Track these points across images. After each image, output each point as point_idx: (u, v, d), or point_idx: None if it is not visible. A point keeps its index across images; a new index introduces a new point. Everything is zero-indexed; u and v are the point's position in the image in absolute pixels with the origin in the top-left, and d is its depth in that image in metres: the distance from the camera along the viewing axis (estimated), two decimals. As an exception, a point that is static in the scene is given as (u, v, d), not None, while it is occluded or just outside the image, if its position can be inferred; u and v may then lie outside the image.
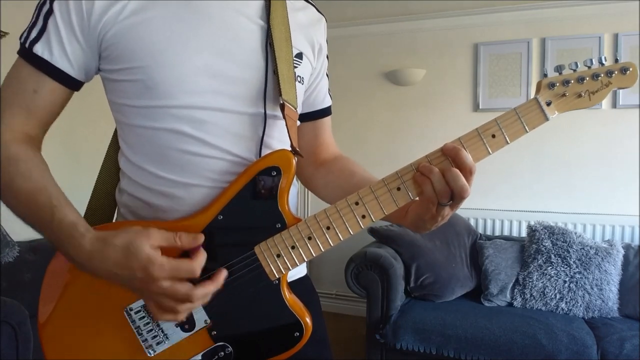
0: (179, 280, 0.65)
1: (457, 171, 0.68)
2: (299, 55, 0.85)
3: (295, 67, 0.83)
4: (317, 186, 0.97)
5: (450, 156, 0.69)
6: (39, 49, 0.71)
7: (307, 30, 0.88)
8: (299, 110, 0.87)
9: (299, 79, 0.84)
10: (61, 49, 0.71)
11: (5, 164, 0.70)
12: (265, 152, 0.78)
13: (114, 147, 0.84)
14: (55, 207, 0.68)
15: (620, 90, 2.98)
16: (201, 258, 0.67)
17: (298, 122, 0.90)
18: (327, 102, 0.99)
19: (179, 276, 0.65)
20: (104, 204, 0.84)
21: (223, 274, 0.70)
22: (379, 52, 3.55)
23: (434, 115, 3.42)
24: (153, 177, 0.76)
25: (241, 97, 0.76)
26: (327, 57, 0.97)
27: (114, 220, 0.85)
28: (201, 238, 0.69)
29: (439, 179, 0.68)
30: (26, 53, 0.72)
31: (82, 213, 0.83)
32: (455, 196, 0.68)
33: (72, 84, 0.75)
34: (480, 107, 3.28)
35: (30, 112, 0.73)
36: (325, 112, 0.99)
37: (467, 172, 0.68)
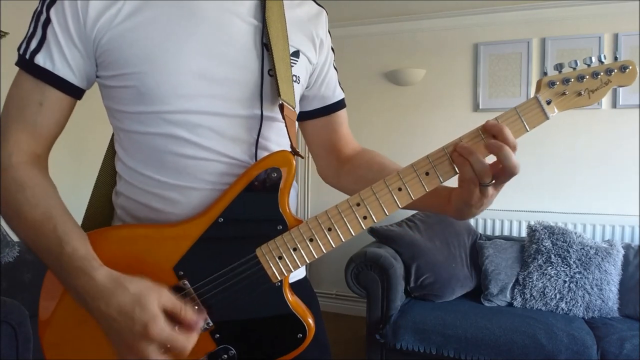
0: (166, 352, 0.64)
1: (509, 149, 0.67)
2: (296, 54, 0.83)
3: (292, 66, 0.81)
4: (346, 184, 0.94)
5: (492, 133, 0.68)
6: (40, 60, 0.70)
7: (305, 26, 0.86)
8: (297, 110, 0.86)
9: (294, 78, 0.82)
10: (62, 57, 0.71)
11: (13, 190, 0.69)
12: (261, 154, 0.78)
13: (112, 151, 0.83)
14: (63, 240, 0.66)
15: (620, 90, 2.98)
16: (194, 339, 0.66)
17: (296, 123, 0.89)
18: (338, 94, 0.97)
19: (170, 348, 0.63)
20: (103, 206, 0.84)
21: None
22: (379, 52, 3.55)
23: (434, 115, 3.42)
24: (149, 181, 0.75)
25: (236, 99, 0.75)
26: (333, 49, 0.95)
27: (112, 223, 0.84)
28: (201, 324, 0.68)
29: (478, 159, 0.67)
30: (27, 64, 0.71)
31: (82, 214, 0.83)
32: (507, 173, 0.67)
33: (76, 93, 0.74)
34: (480, 107, 3.28)
35: (37, 127, 0.72)
36: (338, 105, 0.97)
37: (512, 149, 0.68)
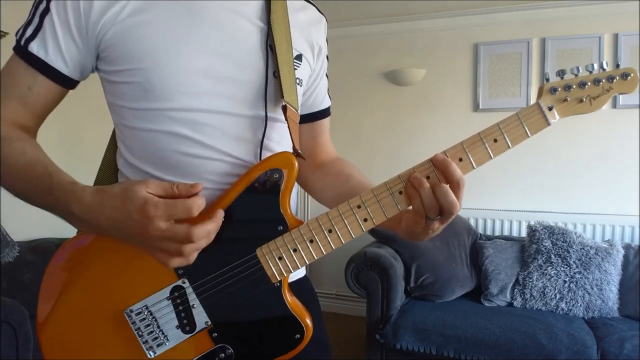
0: (177, 221, 0.63)
1: (447, 187, 0.67)
2: (299, 57, 0.84)
3: (295, 69, 0.82)
4: (314, 189, 0.97)
5: (438, 169, 0.69)
6: (34, 48, 0.71)
7: (307, 31, 0.87)
8: (299, 112, 0.87)
9: (297, 81, 0.83)
10: (56, 47, 0.71)
11: (1, 144, 0.70)
12: (265, 154, 0.78)
13: (112, 147, 0.84)
14: (53, 172, 0.68)
15: (620, 90, 2.98)
16: (199, 200, 0.64)
17: (298, 125, 0.90)
18: (326, 103, 0.98)
19: (176, 215, 0.62)
20: None
21: (220, 212, 0.68)
22: (379, 52, 3.55)
23: (434, 115, 3.42)
24: (151, 178, 0.75)
25: (240, 99, 0.76)
26: (327, 57, 0.96)
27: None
28: (199, 187, 0.66)
29: (428, 193, 0.68)
30: (21, 50, 0.72)
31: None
32: (444, 212, 0.68)
33: (67, 83, 0.75)
34: (480, 107, 3.28)
35: (23, 104, 0.74)
36: (324, 113, 0.99)
37: (455, 186, 0.68)
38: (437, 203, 0.68)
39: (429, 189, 0.68)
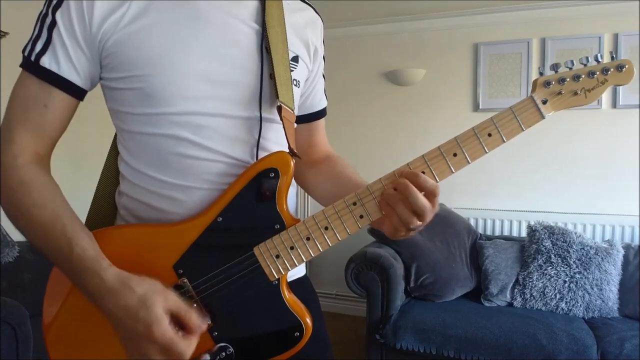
0: (166, 354, 0.65)
1: (416, 194, 0.68)
2: (295, 59, 0.85)
3: (292, 70, 0.83)
4: (308, 186, 0.98)
5: (409, 180, 0.70)
6: (46, 62, 0.71)
7: (303, 32, 0.88)
8: (296, 113, 0.88)
9: (295, 82, 0.84)
10: (67, 59, 0.71)
11: (20, 191, 0.69)
12: (261, 154, 0.79)
13: (114, 151, 0.84)
14: (73, 241, 0.67)
15: (620, 90, 2.98)
16: (194, 343, 0.67)
17: (295, 125, 0.90)
18: (322, 103, 0.99)
19: (171, 352, 0.64)
20: (105, 207, 0.85)
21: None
22: (379, 52, 3.55)
23: (434, 115, 3.42)
24: (153, 181, 0.76)
25: (237, 101, 0.76)
26: (324, 58, 0.97)
27: (115, 223, 0.85)
28: (204, 328, 0.68)
29: (403, 209, 0.69)
30: (32, 66, 0.71)
31: (84, 216, 0.83)
32: (421, 218, 0.70)
33: (79, 94, 0.75)
34: (480, 107, 3.28)
35: (41, 128, 0.73)
36: (320, 113, 1.00)
37: (431, 195, 0.70)
38: (414, 215, 0.69)
39: (402, 205, 0.69)
